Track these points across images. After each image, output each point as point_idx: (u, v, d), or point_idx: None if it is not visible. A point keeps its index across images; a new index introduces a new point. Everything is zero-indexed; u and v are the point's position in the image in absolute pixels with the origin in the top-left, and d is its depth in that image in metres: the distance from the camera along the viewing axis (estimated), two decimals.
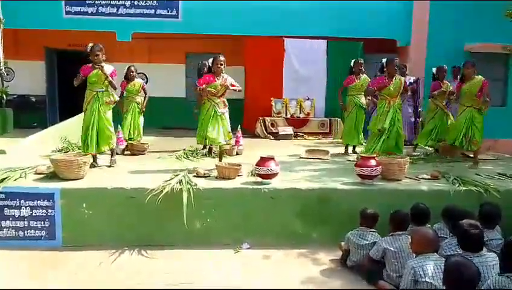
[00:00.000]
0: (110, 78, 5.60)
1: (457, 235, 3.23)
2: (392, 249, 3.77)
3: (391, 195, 4.87)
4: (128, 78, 7.41)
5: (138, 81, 7.55)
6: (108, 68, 5.65)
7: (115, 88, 5.81)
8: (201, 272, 4.14)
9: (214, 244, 4.68)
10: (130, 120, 7.37)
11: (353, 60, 7.64)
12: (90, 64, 5.63)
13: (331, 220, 4.76)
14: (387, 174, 5.25)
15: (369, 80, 7.34)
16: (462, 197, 4.83)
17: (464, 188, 4.96)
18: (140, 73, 11.74)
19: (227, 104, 5.82)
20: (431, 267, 3.17)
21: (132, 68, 7.45)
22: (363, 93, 7.15)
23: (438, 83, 7.42)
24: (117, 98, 6.06)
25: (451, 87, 7.35)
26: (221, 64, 5.62)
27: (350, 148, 7.65)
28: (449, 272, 2.51)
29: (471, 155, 6.81)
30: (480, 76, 6.28)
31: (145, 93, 7.59)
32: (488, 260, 3.12)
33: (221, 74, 5.68)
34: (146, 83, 10.54)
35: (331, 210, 4.76)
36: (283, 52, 10.48)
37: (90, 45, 5.62)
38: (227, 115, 5.80)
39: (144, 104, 7.54)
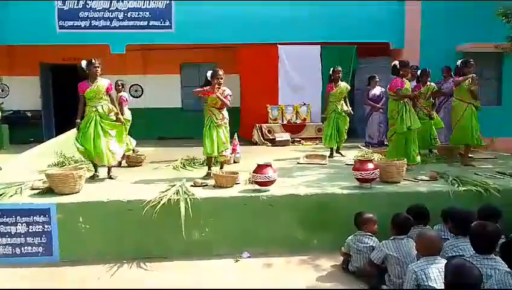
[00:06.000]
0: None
1: (469, 236, 3.19)
2: (394, 254, 3.68)
3: (390, 198, 4.84)
4: (116, 90, 7.66)
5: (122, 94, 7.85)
6: (105, 82, 5.66)
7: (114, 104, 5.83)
8: (201, 283, 4.08)
9: (214, 254, 4.64)
10: None
11: (331, 68, 7.78)
12: (86, 81, 5.62)
13: (331, 226, 4.72)
14: (385, 177, 5.23)
15: (348, 87, 7.79)
16: (462, 197, 4.80)
17: (463, 189, 4.94)
18: (135, 85, 11.84)
19: (226, 116, 5.82)
20: (434, 270, 3.08)
21: (120, 82, 7.75)
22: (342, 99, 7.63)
23: (418, 85, 7.51)
24: (123, 118, 6.13)
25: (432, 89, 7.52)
26: (221, 78, 5.70)
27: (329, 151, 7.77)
28: (448, 275, 2.43)
29: (471, 155, 6.80)
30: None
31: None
32: (498, 263, 3.00)
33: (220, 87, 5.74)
34: (141, 95, 10.66)
35: (331, 215, 4.72)
36: (277, 59, 10.48)
37: (85, 61, 5.60)
38: (226, 126, 5.83)
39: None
